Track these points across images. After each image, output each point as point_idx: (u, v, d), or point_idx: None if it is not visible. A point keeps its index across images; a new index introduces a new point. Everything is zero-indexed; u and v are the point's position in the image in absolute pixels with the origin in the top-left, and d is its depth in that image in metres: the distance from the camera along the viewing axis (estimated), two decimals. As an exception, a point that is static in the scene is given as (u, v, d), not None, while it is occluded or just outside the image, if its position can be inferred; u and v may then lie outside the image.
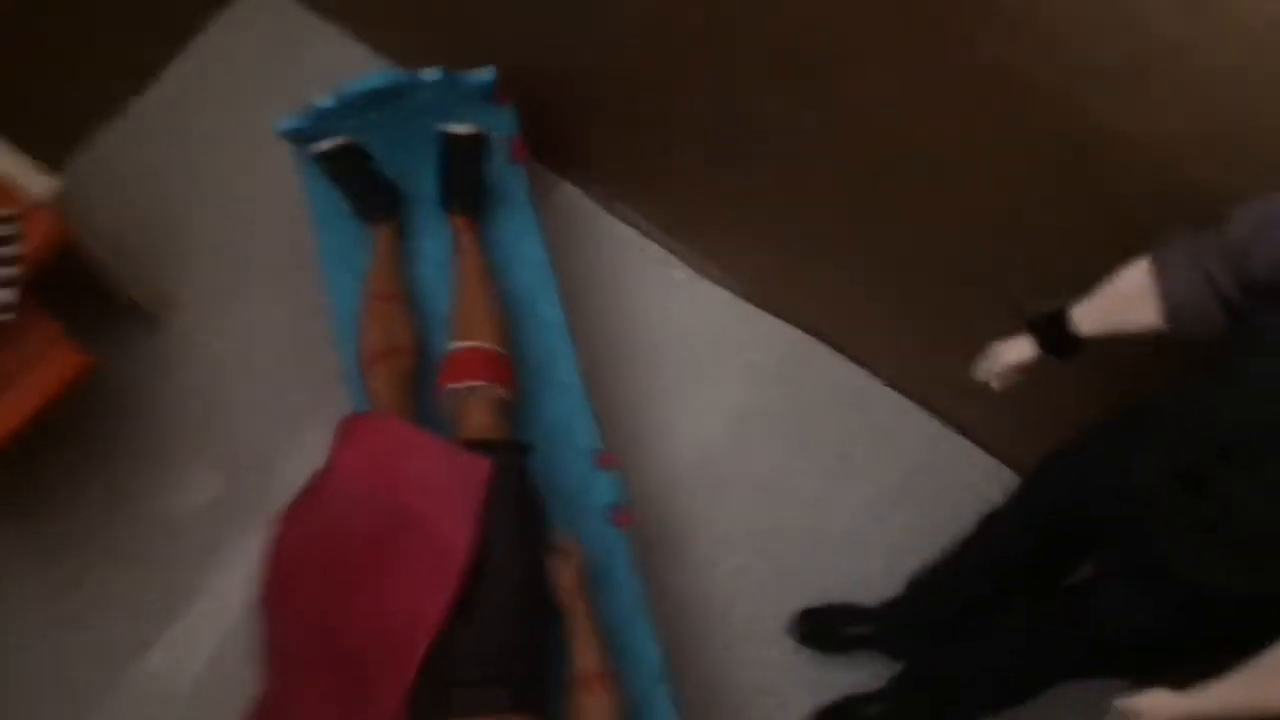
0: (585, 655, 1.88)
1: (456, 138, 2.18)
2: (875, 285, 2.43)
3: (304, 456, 2.47)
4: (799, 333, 2.65)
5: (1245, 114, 1.52)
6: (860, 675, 2.39)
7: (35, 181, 2.08)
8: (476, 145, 2.20)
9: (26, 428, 2.11)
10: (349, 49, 2.84)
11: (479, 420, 2.03)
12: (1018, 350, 1.70)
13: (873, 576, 2.47)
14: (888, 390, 2.60)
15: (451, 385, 2.07)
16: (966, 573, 2.07)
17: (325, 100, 2.19)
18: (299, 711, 1.87)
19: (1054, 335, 1.65)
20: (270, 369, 2.58)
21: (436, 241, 2.35)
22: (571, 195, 2.75)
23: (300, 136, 2.28)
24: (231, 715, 2.20)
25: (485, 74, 2.30)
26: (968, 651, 2.06)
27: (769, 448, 2.56)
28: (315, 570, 1.88)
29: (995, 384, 1.76)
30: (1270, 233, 1.34)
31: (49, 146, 2.21)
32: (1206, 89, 1.52)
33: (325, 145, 2.18)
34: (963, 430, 2.56)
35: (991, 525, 1.98)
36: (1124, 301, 1.55)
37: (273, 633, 1.96)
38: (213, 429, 2.54)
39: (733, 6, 1.98)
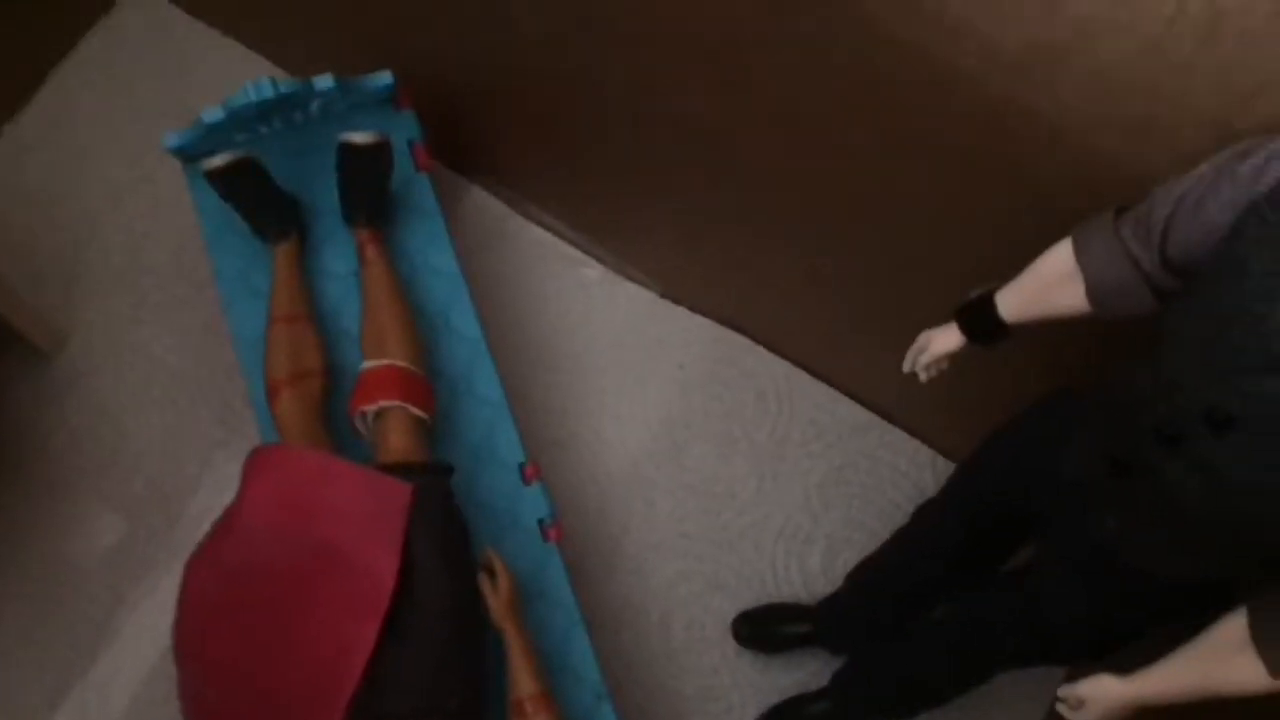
0: (524, 677, 1.81)
1: (355, 147, 2.08)
2: (796, 276, 2.38)
3: (213, 491, 2.38)
4: (722, 329, 2.60)
5: (1159, 96, 1.50)
6: (804, 674, 2.36)
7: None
8: (377, 153, 2.10)
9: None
10: (241, 58, 2.70)
11: (396, 442, 1.94)
12: (944, 340, 1.66)
13: (811, 574, 2.44)
14: (815, 382, 2.56)
15: (364, 407, 1.98)
16: (903, 564, 2.05)
17: (214, 113, 2.07)
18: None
19: (980, 322, 1.62)
20: (172, 399, 2.45)
21: (341, 256, 2.25)
22: (481, 199, 2.66)
23: (190, 153, 2.16)
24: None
25: (383, 78, 2.20)
26: (908, 643, 2.04)
27: (698, 449, 2.51)
28: (231, 611, 1.78)
29: (923, 375, 1.73)
30: (1188, 211, 1.32)
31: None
32: (1122, 72, 1.49)
33: (216, 162, 2.05)
34: (893, 419, 2.54)
35: (927, 514, 1.96)
36: (1048, 285, 1.53)
37: (190, 681, 1.84)
38: (113, 466, 2.40)
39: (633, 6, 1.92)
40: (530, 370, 2.52)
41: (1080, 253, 1.47)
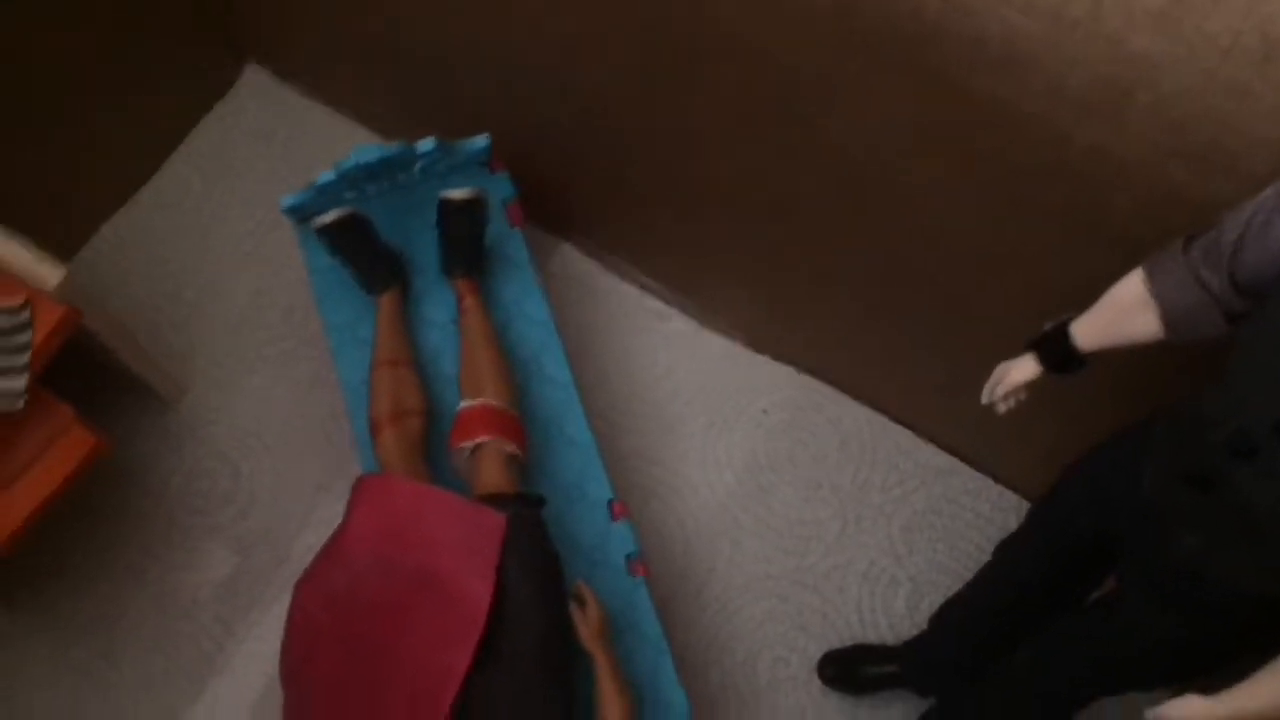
0: (612, 705, 1.87)
1: (454, 202, 2.22)
2: (876, 323, 2.44)
3: (318, 530, 2.50)
4: (805, 376, 2.67)
5: (1222, 124, 1.55)
6: (889, 716, 2.36)
7: (43, 272, 2.12)
8: (474, 208, 2.24)
9: (44, 511, 2.12)
10: (348, 133, 2.90)
11: (490, 476, 2.04)
12: (1021, 370, 1.71)
13: (897, 616, 2.45)
14: (897, 428, 2.61)
15: (462, 443, 2.08)
16: (987, 601, 2.06)
17: (325, 175, 2.24)
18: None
19: (1056, 352, 1.66)
20: (281, 444, 2.60)
21: (440, 306, 2.38)
22: (570, 255, 2.79)
23: (303, 213, 2.33)
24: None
25: (480, 141, 2.36)
26: (996, 680, 2.05)
27: (783, 493, 2.57)
28: (334, 634, 1.88)
29: (1001, 406, 1.77)
30: (1256, 232, 1.36)
31: (58, 238, 2.24)
32: (1184, 103, 1.55)
33: (327, 219, 2.22)
34: (975, 463, 2.56)
35: (1008, 550, 1.98)
36: (1122, 312, 1.57)
37: (297, 702, 1.94)
38: (227, 506, 2.54)
39: (711, 60, 2.03)
40: (618, 418, 2.61)
41: (1152, 280, 1.52)
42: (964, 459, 2.57)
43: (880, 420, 2.61)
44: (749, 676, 2.41)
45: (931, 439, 2.59)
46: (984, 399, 1.79)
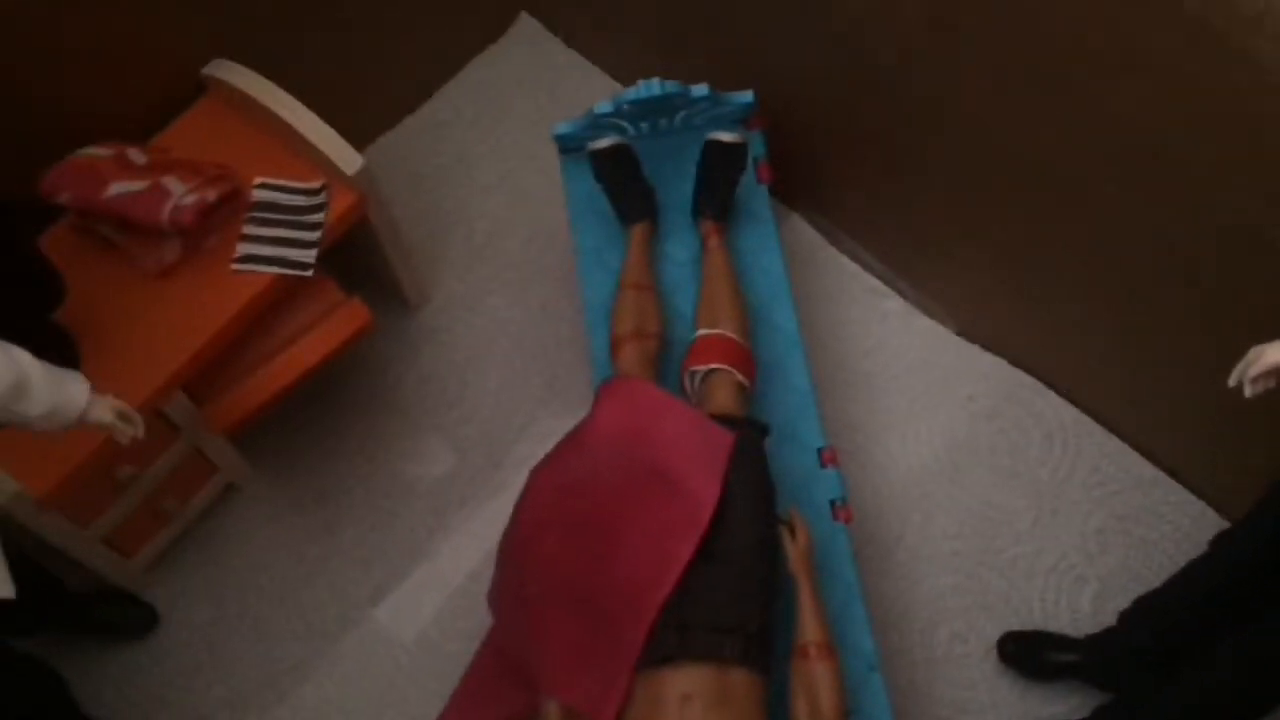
0: (812, 624, 1.96)
1: (720, 145, 2.37)
2: (1097, 325, 2.48)
3: (534, 442, 2.67)
4: (1015, 369, 2.71)
5: None
6: (1063, 708, 2.38)
7: (344, 158, 2.35)
8: (736, 154, 2.38)
9: (314, 374, 2.35)
10: (601, 81, 3.10)
11: (722, 399, 2.16)
12: (1278, 352, 1.73)
13: (1081, 613, 2.47)
14: (1104, 432, 2.63)
15: (697, 366, 2.22)
16: (1194, 594, 2.07)
17: (602, 106, 2.42)
18: (539, 649, 2.00)
19: None
20: (508, 360, 2.79)
21: (682, 247, 2.53)
22: (798, 225, 2.91)
23: (572, 141, 2.51)
24: (449, 665, 2.38)
25: (745, 96, 2.50)
26: (1183, 682, 2.05)
27: (981, 478, 2.61)
28: (564, 518, 2.02)
29: (1249, 389, 1.79)
30: None
31: (345, 136, 2.47)
32: None
33: (603, 143, 2.40)
34: (1181, 478, 2.56)
35: (1226, 542, 1.99)
36: None
37: (512, 578, 2.10)
38: (453, 408, 2.74)
39: (985, 28, 2.11)
40: (826, 383, 2.70)
41: None
42: (1171, 473, 2.57)
43: (1088, 422, 2.64)
44: (926, 645, 2.46)
45: (1139, 448, 2.60)
46: (1231, 381, 1.81)
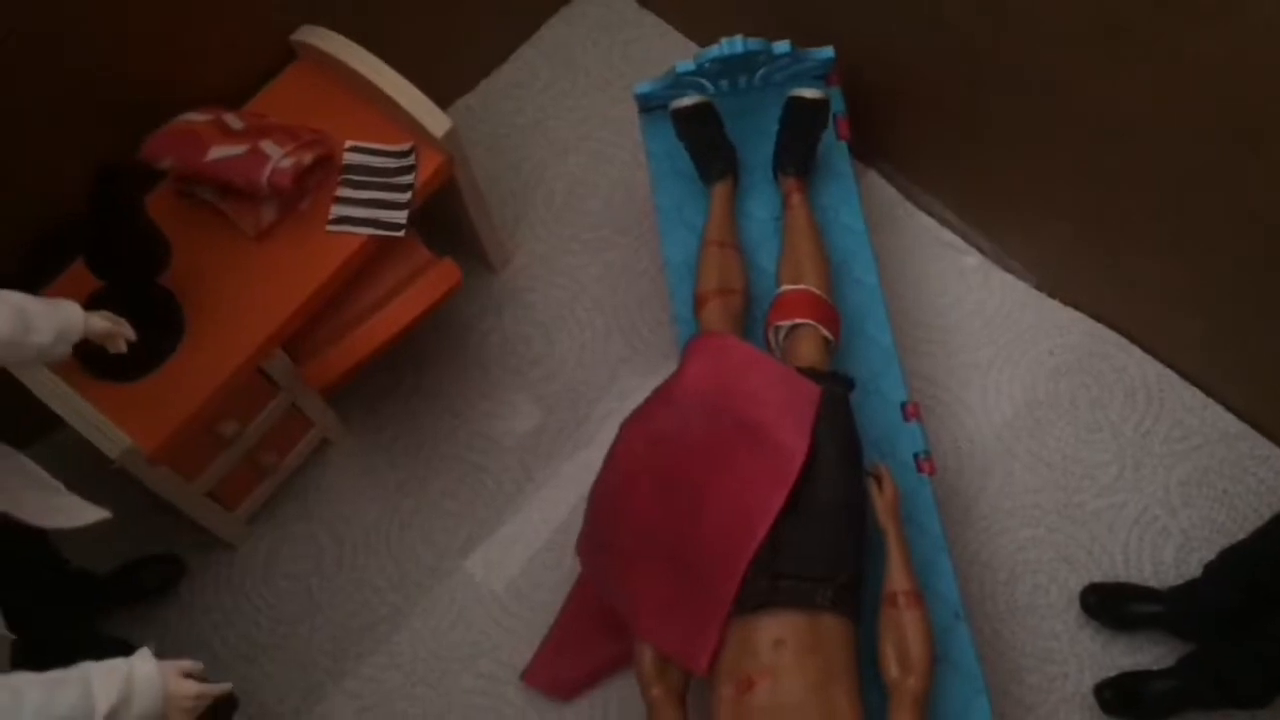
0: (900, 573, 2.00)
1: (803, 101, 2.39)
2: (1182, 277, 2.47)
3: (617, 398, 2.72)
4: (1095, 324, 2.71)
5: None
6: (1145, 658, 2.40)
7: (433, 120, 2.40)
8: (819, 110, 2.40)
9: (406, 334, 2.41)
10: (676, 41, 3.12)
11: (807, 353, 2.19)
12: None
13: (1164, 565, 2.48)
14: (1188, 386, 2.62)
15: (781, 321, 2.25)
16: (1275, 552, 2.08)
17: (684, 65, 2.44)
18: (630, 599, 2.06)
19: None
20: (591, 319, 2.83)
21: (763, 204, 2.55)
22: (876, 182, 2.91)
23: (654, 100, 2.54)
24: (538, 615, 2.47)
25: (826, 52, 2.51)
26: (1265, 635, 2.06)
27: (1062, 432, 2.62)
28: (657, 468, 2.07)
29: None
30: None
31: (433, 95, 2.51)
32: None
33: (685, 101, 2.43)
34: (1262, 429, 2.55)
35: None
36: None
37: (603, 529, 2.16)
38: (537, 366, 2.80)
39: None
40: (906, 338, 2.72)
41: None
42: (1257, 426, 2.56)
43: (1171, 376, 2.63)
44: (1008, 595, 2.48)
45: (1225, 402, 2.59)
46: None
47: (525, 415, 2.75)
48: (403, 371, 2.78)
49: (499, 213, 2.92)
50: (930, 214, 2.88)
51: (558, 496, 2.64)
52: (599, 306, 2.84)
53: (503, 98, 3.11)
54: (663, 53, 3.10)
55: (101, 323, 1.91)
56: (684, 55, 3.00)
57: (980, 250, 2.84)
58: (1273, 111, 1.98)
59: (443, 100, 3.02)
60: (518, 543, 2.62)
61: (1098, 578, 2.47)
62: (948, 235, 2.86)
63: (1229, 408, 2.59)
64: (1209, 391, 2.61)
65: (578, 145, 3.04)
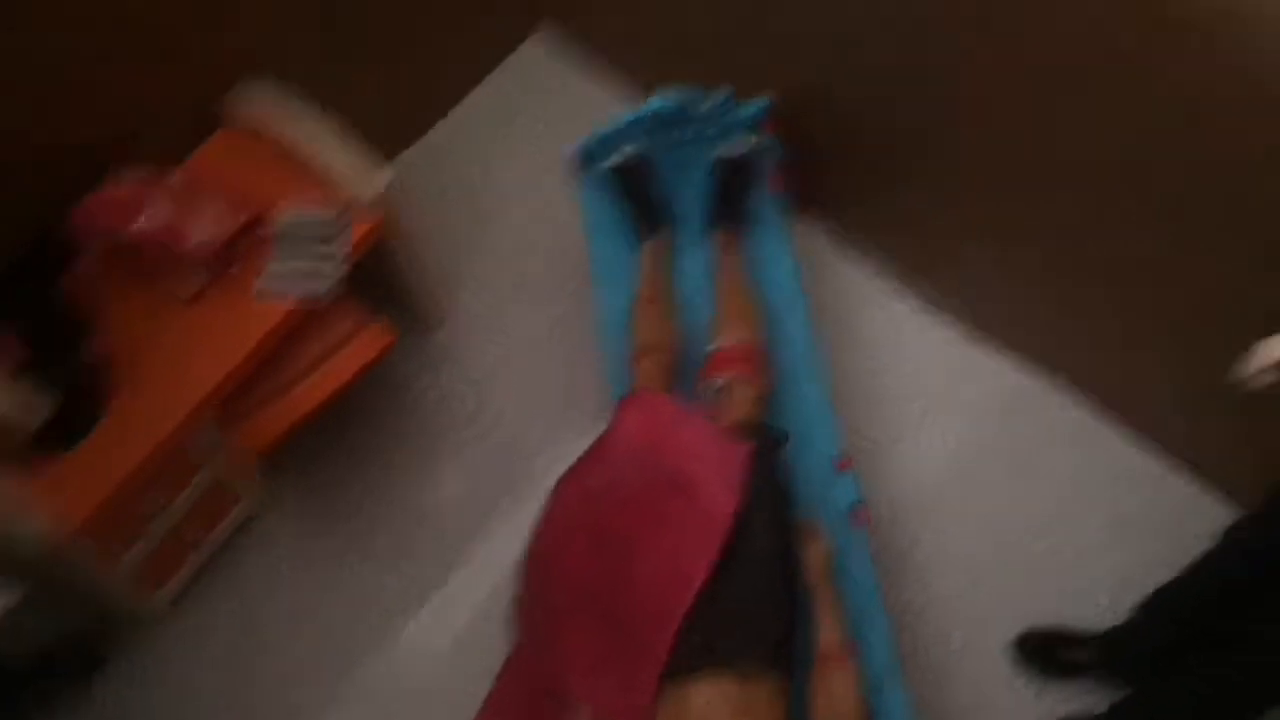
0: (831, 631, 2.01)
1: (729, 161, 2.42)
2: (1108, 321, 2.52)
3: (555, 453, 2.68)
4: (1028, 367, 2.75)
5: None
6: (1080, 704, 2.41)
7: (365, 182, 2.40)
8: (746, 167, 2.43)
9: (338, 398, 2.40)
10: (621, 91, 3.14)
11: (739, 409, 2.21)
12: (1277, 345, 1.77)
13: (1098, 611, 2.50)
14: (1117, 427, 2.66)
15: (714, 377, 2.26)
16: (1202, 583, 2.11)
17: (618, 120, 2.47)
18: (564, 657, 2.05)
19: None
20: (528, 375, 2.84)
21: (695, 260, 2.58)
22: (811, 232, 2.95)
23: (589, 154, 2.56)
24: (487, 671, 2.42)
25: (760, 102, 2.53)
26: (1197, 672, 2.09)
27: (994, 480, 2.65)
28: (589, 526, 2.07)
29: (1253, 383, 1.83)
30: None
31: (371, 152, 2.51)
32: None
33: (620, 158, 2.46)
34: (1193, 468, 2.60)
35: (1236, 534, 2.03)
36: None
37: (536, 588, 2.15)
38: (472, 426, 2.79)
39: (983, 40, 2.16)
40: (840, 388, 2.72)
41: None
42: (1186, 465, 2.60)
43: (1102, 418, 2.68)
44: (943, 646, 2.50)
45: (1153, 442, 2.63)
46: (1238, 375, 1.85)
47: (462, 474, 2.75)
48: (336, 434, 2.76)
49: (437, 269, 2.92)
50: (864, 263, 2.92)
51: (495, 558, 2.61)
52: (535, 364, 2.85)
53: (446, 152, 3.12)
54: (607, 104, 3.12)
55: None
56: (625, 108, 3.04)
57: (915, 298, 2.88)
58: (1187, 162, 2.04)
59: (383, 155, 3.04)
60: (456, 608, 2.60)
61: (1034, 623, 2.49)
62: (883, 283, 2.90)
63: (1160, 447, 2.63)
64: (1139, 432, 2.65)
65: (520, 200, 3.05)
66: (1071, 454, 2.66)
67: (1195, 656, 2.12)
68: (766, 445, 2.14)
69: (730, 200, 2.50)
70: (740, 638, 1.94)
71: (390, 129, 3.05)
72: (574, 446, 2.34)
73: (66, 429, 2.12)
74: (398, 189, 2.91)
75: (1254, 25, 1.77)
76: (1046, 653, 2.43)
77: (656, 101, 2.43)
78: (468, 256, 2.99)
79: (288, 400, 2.38)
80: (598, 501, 2.09)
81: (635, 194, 2.50)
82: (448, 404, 2.83)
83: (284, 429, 2.36)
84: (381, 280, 2.65)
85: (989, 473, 2.66)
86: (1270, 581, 1.95)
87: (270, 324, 2.34)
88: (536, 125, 3.12)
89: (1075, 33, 2.02)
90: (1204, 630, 2.09)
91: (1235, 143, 1.95)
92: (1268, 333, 1.83)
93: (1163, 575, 2.44)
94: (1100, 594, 2.51)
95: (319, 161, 2.40)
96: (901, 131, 2.55)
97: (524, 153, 3.09)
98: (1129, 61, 1.99)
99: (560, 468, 2.25)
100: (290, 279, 2.37)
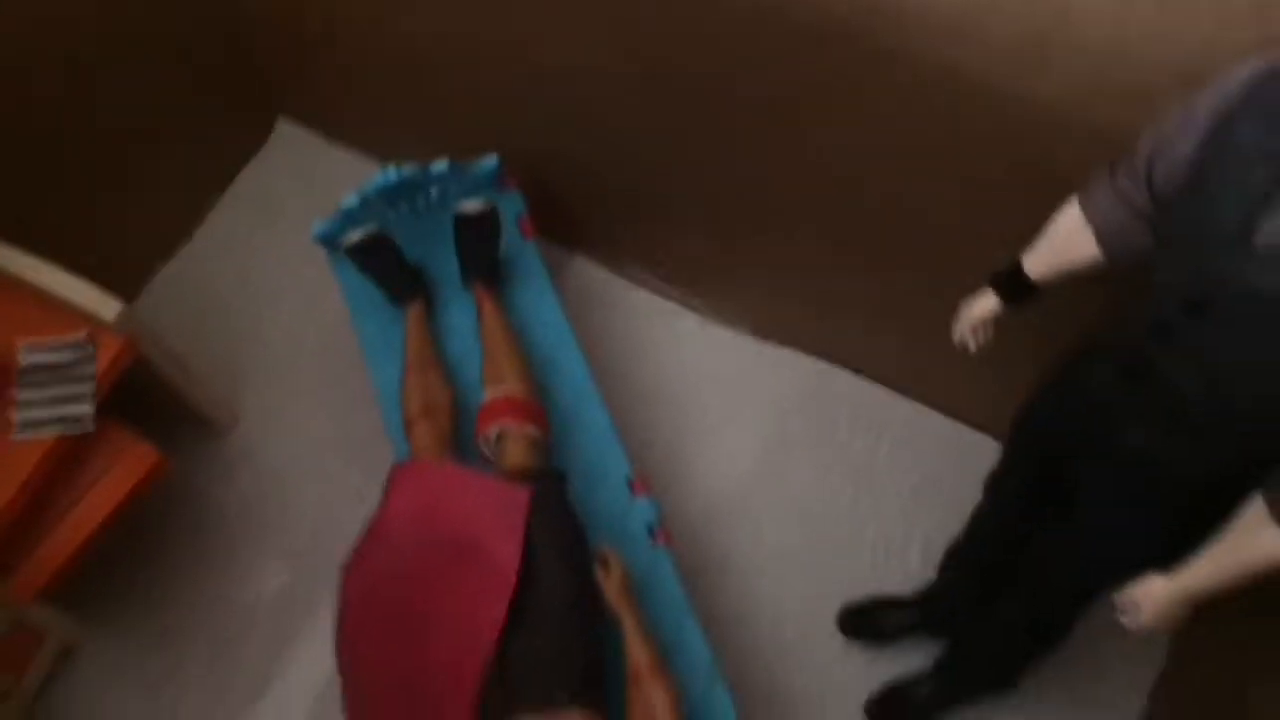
0: (639, 650, 2.01)
1: (467, 215, 2.44)
2: (875, 296, 2.61)
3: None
4: (812, 359, 2.84)
5: (1136, 63, 1.72)
6: (913, 664, 2.48)
7: (103, 306, 2.35)
8: (485, 220, 2.46)
9: (111, 524, 2.33)
10: (370, 167, 3.14)
11: (516, 456, 2.22)
12: (981, 305, 1.87)
13: (913, 571, 2.58)
14: (901, 398, 2.76)
15: (488, 429, 2.27)
16: (982, 535, 2.20)
17: (349, 200, 2.47)
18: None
19: (1011, 284, 1.82)
20: (327, 461, 2.80)
21: (462, 316, 2.58)
22: (583, 266, 2.99)
23: (333, 237, 2.55)
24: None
25: (489, 162, 2.57)
26: (999, 613, 2.17)
27: (797, 473, 2.72)
28: (379, 610, 2.05)
29: (971, 343, 1.92)
30: (1164, 146, 1.52)
31: (121, 280, 2.47)
32: (1099, 46, 1.73)
33: (354, 237, 2.45)
34: (969, 422, 2.71)
35: (991, 484, 2.11)
36: (1063, 240, 1.73)
37: (353, 684, 2.11)
38: (280, 522, 2.74)
39: (707, 82, 2.25)
40: (635, 415, 2.78)
41: (1085, 204, 1.69)
42: (965, 421, 2.71)
43: (884, 392, 2.78)
44: (775, 641, 2.54)
45: (935, 406, 2.74)
46: (954, 338, 1.95)
47: (274, 574, 2.69)
48: (141, 555, 2.68)
49: (218, 373, 2.87)
50: (642, 286, 2.98)
51: (322, 649, 2.57)
52: (329, 449, 2.81)
53: (205, 258, 3.08)
54: (358, 180, 3.10)
55: None
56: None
57: (695, 310, 2.94)
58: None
59: (140, 274, 3.00)
60: (292, 705, 2.54)
61: (855, 597, 2.55)
62: (661, 303, 2.96)
63: (942, 410, 2.74)
64: (921, 399, 2.76)
65: (287, 291, 3.02)
66: (863, 434, 2.75)
67: (1002, 602, 2.19)
68: (546, 487, 2.15)
69: (478, 254, 2.52)
70: (544, 677, 1.95)
71: (145, 247, 3.02)
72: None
73: None
74: (152, 306, 2.87)
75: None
76: (870, 621, 2.49)
77: (380, 177, 2.45)
78: (247, 356, 2.94)
79: (60, 533, 2.31)
80: (384, 583, 2.06)
81: (380, 267, 2.50)
82: (250, 506, 2.77)
83: (61, 562, 2.29)
84: (153, 395, 2.59)
85: (790, 467, 2.72)
86: (1037, 514, 2.03)
87: (31, 464, 2.26)
88: (291, 216, 3.10)
89: (782, 77, 2.13)
90: (1004, 572, 2.16)
91: (947, 118, 2.07)
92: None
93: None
94: (911, 556, 2.59)
95: (50, 294, 2.34)
96: (637, 168, 2.62)
97: (285, 245, 3.06)
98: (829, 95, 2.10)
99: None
100: (45, 414, 2.30)
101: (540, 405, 2.34)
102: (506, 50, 2.45)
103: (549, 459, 2.31)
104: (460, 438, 2.35)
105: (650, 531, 2.35)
